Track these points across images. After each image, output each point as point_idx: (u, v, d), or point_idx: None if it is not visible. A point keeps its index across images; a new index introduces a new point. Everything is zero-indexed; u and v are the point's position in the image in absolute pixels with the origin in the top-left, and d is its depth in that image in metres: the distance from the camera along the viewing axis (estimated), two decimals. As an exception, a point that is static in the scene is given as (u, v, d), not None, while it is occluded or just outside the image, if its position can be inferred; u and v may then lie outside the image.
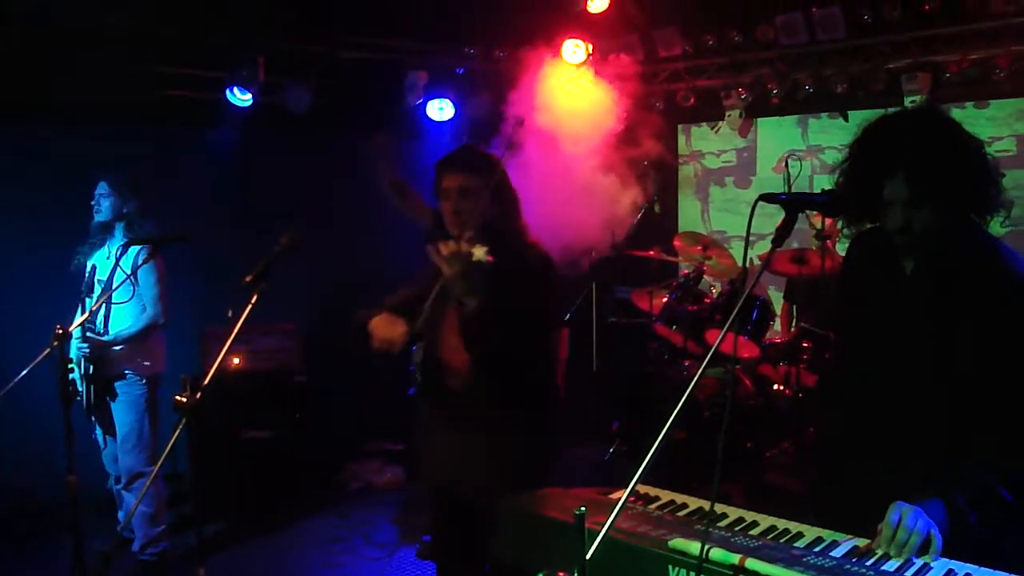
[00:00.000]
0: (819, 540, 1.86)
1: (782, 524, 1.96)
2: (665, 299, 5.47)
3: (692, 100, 6.47)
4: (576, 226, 5.20)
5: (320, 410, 5.52)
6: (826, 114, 6.34)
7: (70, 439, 3.09)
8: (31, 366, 3.01)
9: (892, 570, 1.73)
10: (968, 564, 1.72)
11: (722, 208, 7.00)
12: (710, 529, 1.85)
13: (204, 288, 4.86)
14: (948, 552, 1.79)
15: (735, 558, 1.69)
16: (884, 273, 2.13)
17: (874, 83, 5.62)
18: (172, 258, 4.33)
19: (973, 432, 1.95)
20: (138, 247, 4.11)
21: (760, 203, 1.86)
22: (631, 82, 5.85)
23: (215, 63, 5.42)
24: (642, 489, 2.20)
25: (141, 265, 4.05)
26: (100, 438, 4.36)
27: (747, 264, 2.23)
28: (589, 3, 5.50)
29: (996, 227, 2.00)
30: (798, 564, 1.71)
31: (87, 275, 4.26)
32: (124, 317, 4.19)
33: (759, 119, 6.68)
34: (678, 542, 1.77)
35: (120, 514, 4.50)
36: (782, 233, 1.84)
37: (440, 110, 6.09)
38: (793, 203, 1.90)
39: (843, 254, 2.37)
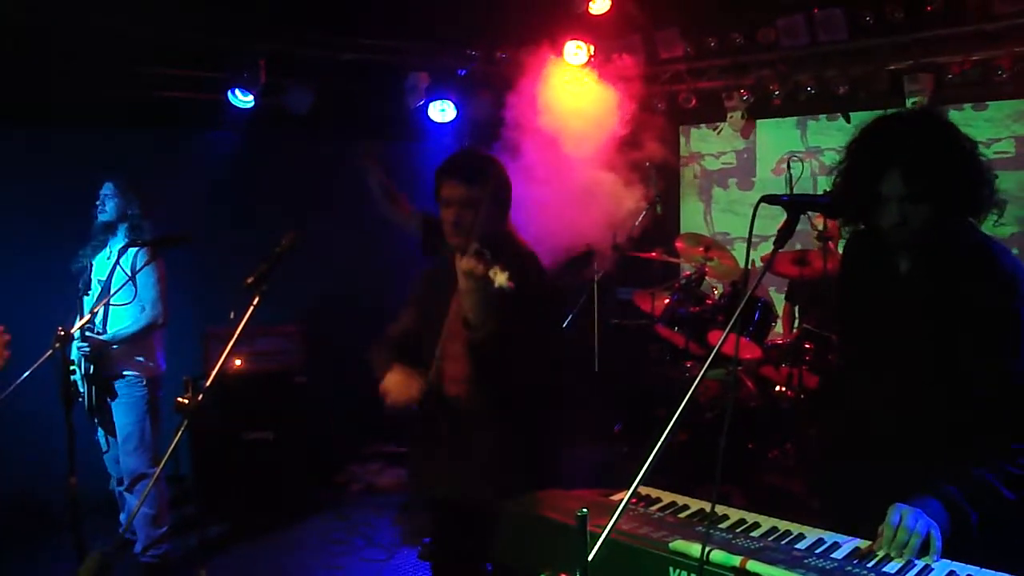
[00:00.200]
0: (820, 542, 1.86)
1: (783, 526, 1.96)
2: (667, 300, 5.47)
3: (693, 102, 6.47)
4: (578, 228, 5.20)
5: (321, 411, 5.52)
6: (825, 116, 6.34)
7: (72, 441, 3.09)
8: (33, 367, 3.01)
9: (893, 572, 1.72)
10: (970, 565, 1.72)
11: (725, 209, 7.00)
12: (711, 531, 1.85)
13: (206, 289, 4.87)
14: (949, 553, 1.79)
15: (736, 560, 1.69)
16: (879, 273, 2.16)
17: (876, 84, 5.62)
18: (174, 259, 4.33)
19: (972, 429, 1.96)
20: (138, 248, 4.11)
21: (763, 205, 1.86)
22: (633, 83, 5.86)
23: (216, 65, 5.43)
24: (643, 491, 2.20)
25: (142, 268, 4.05)
26: (102, 440, 4.37)
27: (749, 265, 2.22)
28: (591, 4, 5.50)
29: (1004, 227, 2.03)
30: (799, 566, 1.70)
31: (85, 273, 4.27)
32: (123, 317, 4.20)
33: (758, 121, 6.68)
34: (679, 544, 1.77)
35: (122, 516, 4.51)
36: (784, 234, 1.85)
37: (441, 112, 6.09)
38: (795, 205, 1.90)
39: (842, 251, 2.39)
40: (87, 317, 4.01)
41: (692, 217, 7.17)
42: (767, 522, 1.99)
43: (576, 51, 5.75)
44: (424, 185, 2.86)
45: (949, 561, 1.76)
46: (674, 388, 5.22)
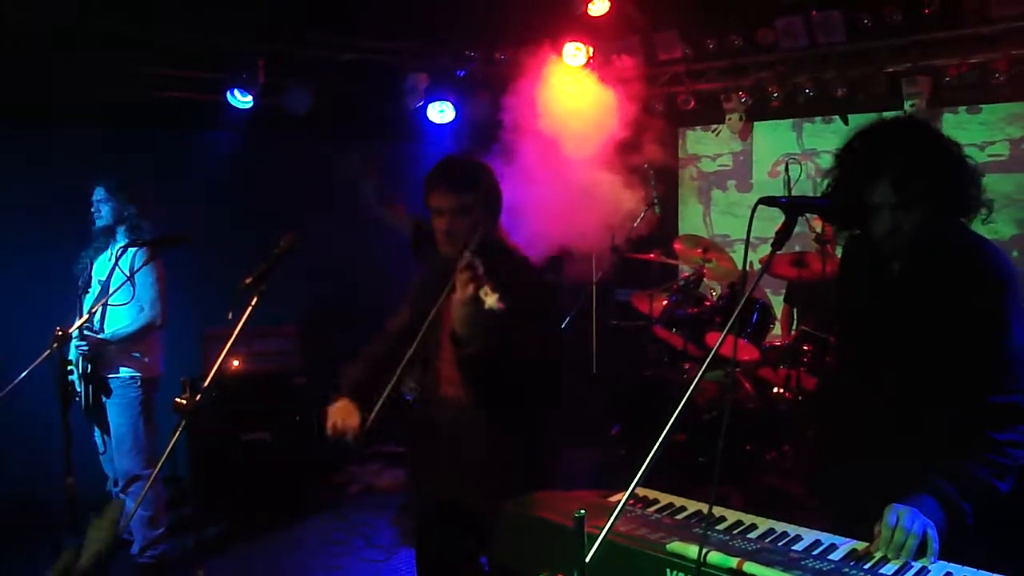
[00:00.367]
0: (817, 543, 1.87)
1: (781, 527, 1.97)
2: (665, 302, 5.47)
3: (692, 103, 6.47)
4: (576, 229, 5.20)
5: (320, 412, 5.51)
6: (820, 118, 6.35)
7: (69, 441, 3.10)
8: (30, 367, 3.02)
9: (890, 574, 1.73)
10: (967, 567, 1.73)
11: (725, 211, 7.01)
12: (709, 532, 1.86)
13: (205, 290, 4.87)
14: (946, 554, 1.80)
15: (733, 561, 1.69)
16: (875, 275, 2.20)
17: (874, 86, 5.63)
18: (173, 260, 4.33)
19: (966, 426, 1.98)
20: (137, 248, 4.11)
21: (761, 207, 1.87)
22: (631, 85, 5.86)
23: (215, 65, 5.42)
24: (641, 492, 2.20)
25: (140, 268, 4.05)
26: (99, 440, 4.36)
27: (747, 267, 2.24)
28: (590, 6, 5.50)
29: (1004, 230, 2.08)
30: (796, 567, 1.71)
31: (85, 273, 4.27)
32: (121, 317, 4.20)
33: (754, 123, 6.69)
34: (676, 545, 1.77)
35: (119, 516, 4.50)
36: (782, 236, 1.86)
37: (440, 113, 6.10)
38: (793, 207, 1.92)
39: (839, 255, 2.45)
40: (85, 316, 4.01)
41: (692, 219, 7.17)
42: (764, 523, 1.99)
43: (575, 52, 5.75)
44: (422, 186, 2.85)
45: (946, 563, 1.77)
46: (672, 389, 5.22)
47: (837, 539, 1.88)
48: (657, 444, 1.61)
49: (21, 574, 4.55)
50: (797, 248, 5.49)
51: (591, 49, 5.81)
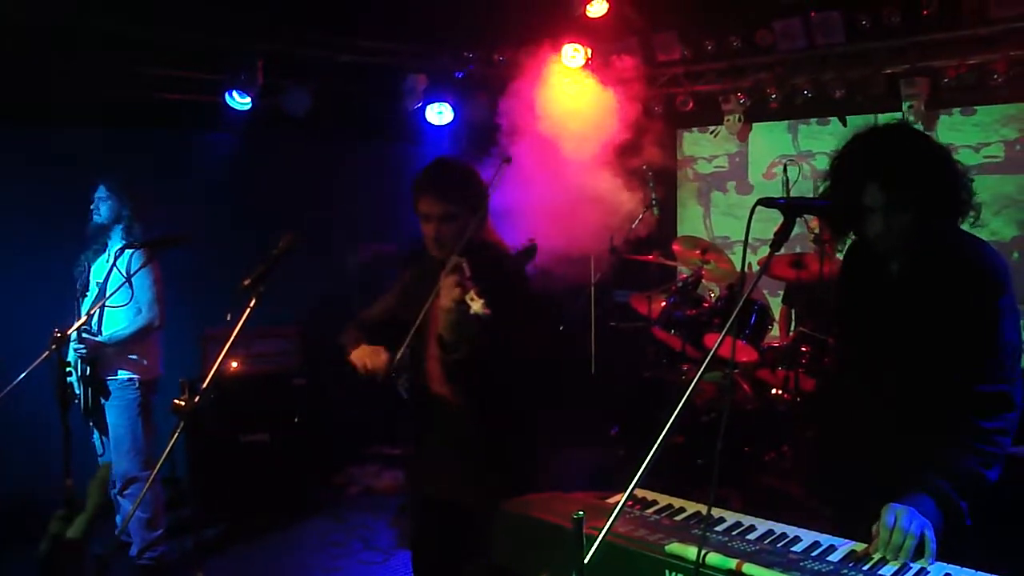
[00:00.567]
0: (816, 544, 1.87)
1: (780, 528, 1.97)
2: (664, 303, 5.47)
3: (691, 105, 6.48)
4: (575, 230, 5.21)
5: (319, 413, 5.52)
6: (815, 120, 6.36)
7: (68, 443, 3.10)
8: (29, 369, 3.02)
9: (889, 575, 1.73)
10: (965, 568, 1.73)
11: (725, 213, 7.01)
12: (707, 533, 1.86)
13: (204, 291, 4.87)
14: (944, 555, 1.80)
15: (732, 563, 1.69)
16: (873, 277, 2.24)
17: (873, 88, 5.63)
18: (172, 260, 4.33)
19: (956, 415, 2.02)
20: (134, 250, 4.11)
21: (761, 208, 1.88)
22: (630, 86, 5.87)
23: (214, 66, 5.43)
24: (640, 493, 2.20)
25: (138, 270, 4.04)
26: (98, 443, 4.36)
27: (745, 268, 2.25)
28: (588, 7, 5.51)
29: (1005, 231, 2.12)
30: (795, 568, 1.71)
31: (83, 275, 4.26)
32: (119, 319, 4.19)
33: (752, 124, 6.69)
34: (675, 547, 1.77)
35: (118, 518, 4.50)
36: (780, 238, 1.87)
37: (439, 114, 6.10)
38: (791, 208, 1.93)
39: (841, 259, 2.48)
40: (83, 319, 4.00)
41: (692, 221, 7.17)
42: (763, 525, 1.99)
43: (574, 54, 5.75)
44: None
45: (944, 564, 1.77)
46: (671, 390, 5.22)
47: (836, 540, 1.88)
48: (656, 445, 1.61)
49: (21, 574, 4.54)
50: (798, 249, 5.50)
51: (590, 50, 5.81)
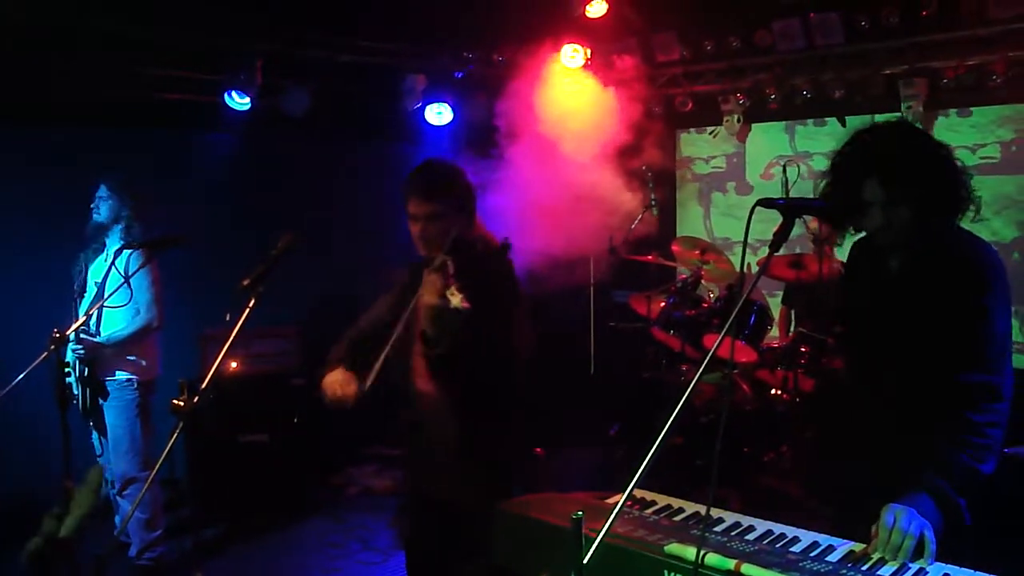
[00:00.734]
0: (815, 545, 1.87)
1: (779, 528, 1.97)
2: (663, 304, 5.47)
3: (690, 105, 6.48)
4: (574, 231, 5.21)
5: (318, 414, 5.50)
6: (812, 120, 6.36)
7: (67, 443, 3.09)
8: (28, 369, 3.01)
9: (888, 575, 1.73)
10: (964, 569, 1.73)
11: (725, 214, 7.01)
12: (706, 534, 1.86)
13: (202, 291, 4.86)
14: (943, 556, 1.80)
15: (731, 563, 1.69)
16: (874, 276, 2.26)
17: (871, 88, 5.63)
18: (171, 261, 4.32)
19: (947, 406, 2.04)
20: (132, 251, 4.10)
21: (761, 209, 1.89)
22: (629, 87, 5.87)
23: (214, 66, 5.43)
24: (639, 493, 2.20)
25: (137, 271, 4.04)
26: (96, 443, 4.35)
27: (744, 269, 2.26)
28: (588, 8, 5.51)
29: (1005, 231, 2.14)
30: (794, 569, 1.71)
31: (81, 275, 4.26)
32: (117, 320, 4.19)
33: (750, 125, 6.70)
34: (674, 547, 1.77)
35: (117, 519, 4.50)
36: (779, 238, 1.87)
37: (438, 114, 6.10)
38: (791, 208, 1.93)
39: (841, 259, 2.50)
40: (81, 319, 4.00)
41: (692, 222, 7.17)
42: (762, 525, 1.99)
43: (573, 54, 5.76)
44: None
45: (944, 564, 1.77)
46: (670, 391, 5.22)
47: (835, 541, 1.88)
48: (655, 446, 1.61)
49: (21, 574, 4.54)
50: (799, 249, 5.50)
51: (589, 51, 5.81)
